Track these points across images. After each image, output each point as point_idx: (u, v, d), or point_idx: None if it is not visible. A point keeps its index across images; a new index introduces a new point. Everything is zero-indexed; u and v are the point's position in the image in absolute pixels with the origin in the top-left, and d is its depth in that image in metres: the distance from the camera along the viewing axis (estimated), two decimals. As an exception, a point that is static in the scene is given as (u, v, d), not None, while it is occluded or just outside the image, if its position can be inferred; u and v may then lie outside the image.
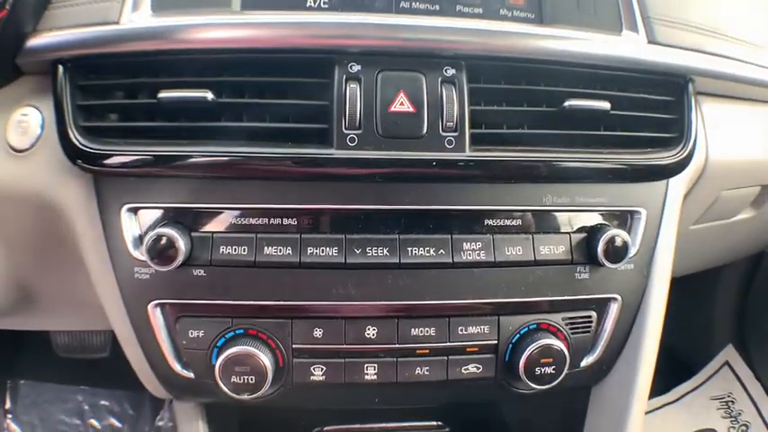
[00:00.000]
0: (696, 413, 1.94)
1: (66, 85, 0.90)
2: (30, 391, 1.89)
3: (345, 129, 0.89)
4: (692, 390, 1.97)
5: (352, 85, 0.90)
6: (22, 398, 1.89)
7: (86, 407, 1.88)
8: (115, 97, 0.94)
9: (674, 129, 1.03)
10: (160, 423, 1.81)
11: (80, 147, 0.89)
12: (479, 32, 0.93)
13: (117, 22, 0.90)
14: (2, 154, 0.94)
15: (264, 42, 0.90)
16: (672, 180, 1.06)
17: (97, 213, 0.95)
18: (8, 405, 1.88)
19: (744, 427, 1.91)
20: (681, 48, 1.03)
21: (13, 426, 1.87)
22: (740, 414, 1.93)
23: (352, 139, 0.89)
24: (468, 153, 0.91)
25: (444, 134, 0.91)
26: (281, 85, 0.93)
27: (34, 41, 0.90)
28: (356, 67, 0.90)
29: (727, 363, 1.98)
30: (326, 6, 0.96)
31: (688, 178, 1.09)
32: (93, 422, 1.86)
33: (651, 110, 1.03)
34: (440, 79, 0.91)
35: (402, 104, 0.90)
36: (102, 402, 1.88)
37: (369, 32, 0.91)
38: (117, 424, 1.86)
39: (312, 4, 0.96)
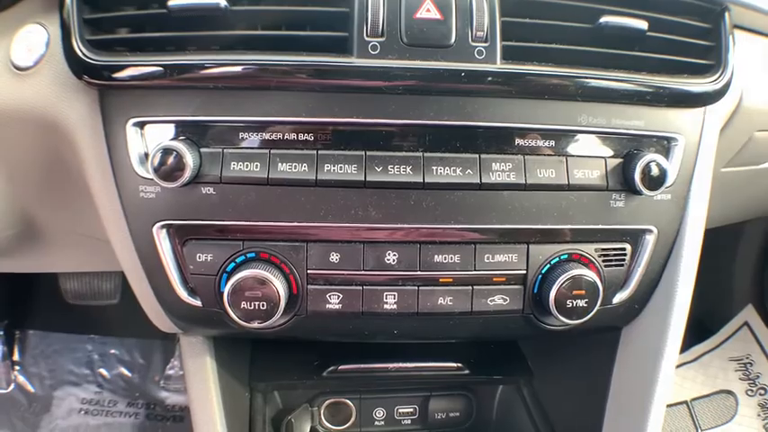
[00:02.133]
0: (714, 374, 1.87)
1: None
2: (39, 341, 1.83)
3: (367, 36, 0.80)
4: (711, 350, 1.90)
5: None
6: (30, 348, 1.83)
7: (96, 356, 1.82)
8: (123, 10, 0.86)
9: (711, 56, 0.95)
10: (170, 372, 1.75)
11: (86, 60, 0.81)
12: None
13: None
14: (5, 72, 0.86)
15: None
16: (709, 109, 0.97)
17: (101, 129, 0.86)
18: (17, 356, 1.82)
19: (762, 390, 1.84)
20: None
21: (21, 378, 1.81)
22: (758, 377, 1.86)
23: (374, 47, 0.80)
24: (500, 65, 0.82)
25: (474, 44, 0.82)
26: None
27: None
28: None
29: (746, 323, 1.90)
30: None
31: (723, 113, 1.01)
32: (103, 371, 1.80)
33: (688, 35, 0.94)
34: None
35: (429, 11, 0.81)
36: (112, 351, 1.82)
37: None
38: (127, 373, 1.80)
39: None
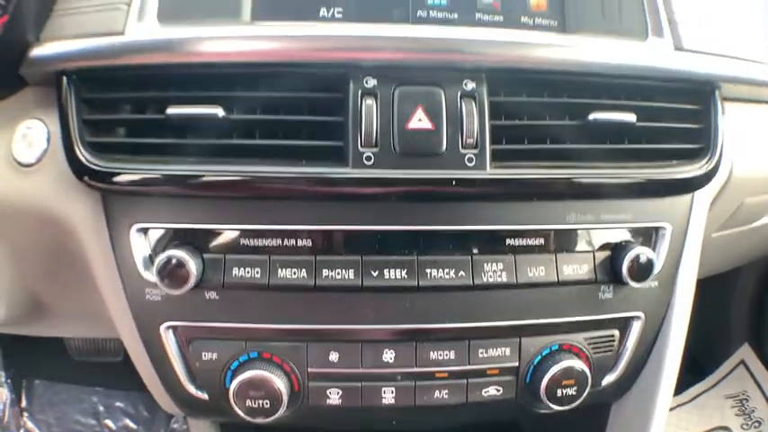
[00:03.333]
0: (710, 414, 1.90)
1: (71, 99, 0.86)
2: (45, 390, 1.86)
3: (361, 146, 0.84)
4: (707, 390, 1.93)
5: (368, 101, 0.84)
6: (38, 397, 1.86)
7: (101, 408, 1.85)
8: (122, 111, 0.89)
9: (701, 139, 0.97)
10: (175, 425, 1.78)
11: (87, 164, 0.84)
12: (500, 44, 0.87)
13: (122, 33, 0.85)
14: (8, 168, 0.90)
15: (276, 56, 0.85)
16: (697, 192, 1.00)
17: (106, 232, 0.90)
18: (24, 404, 1.86)
19: (757, 423, 1.87)
20: (708, 53, 0.97)
21: (30, 424, 1.84)
22: (753, 411, 1.89)
23: (368, 158, 0.84)
24: (490, 171, 0.86)
25: (464, 151, 0.85)
26: (293, 101, 0.87)
27: (37, 51, 0.85)
28: (372, 82, 0.85)
29: (742, 362, 1.93)
30: (340, 16, 0.90)
31: (712, 189, 1.04)
32: (109, 423, 1.83)
33: (677, 120, 0.97)
34: (459, 93, 0.86)
35: (420, 120, 0.84)
36: (118, 404, 1.85)
37: (385, 46, 0.85)
38: (132, 425, 1.83)
39: (326, 14, 0.90)
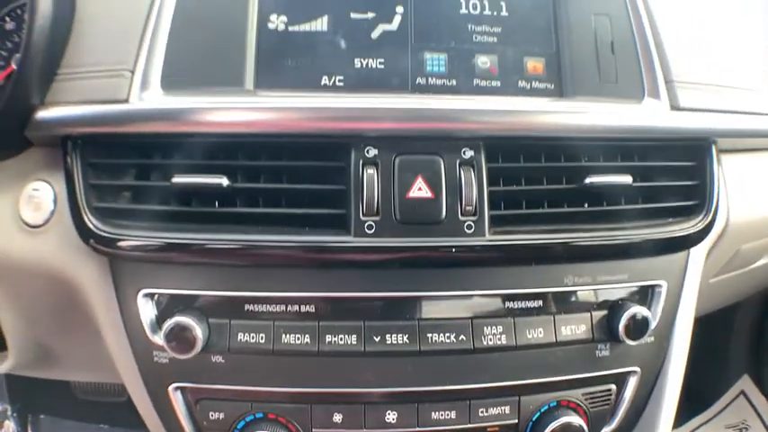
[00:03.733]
0: (710, 445, 1.92)
1: (77, 163, 0.89)
2: (51, 425, 1.89)
3: (363, 215, 0.86)
4: (707, 421, 1.94)
5: (369, 171, 0.87)
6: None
7: (106, 445, 1.88)
8: (128, 176, 0.92)
9: (697, 196, 0.99)
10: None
11: (93, 229, 0.87)
12: (498, 113, 0.90)
13: (126, 100, 0.88)
14: (16, 229, 0.93)
15: (278, 127, 0.87)
16: (693, 248, 1.02)
17: (114, 295, 0.92)
18: (30, 438, 1.88)
19: (757, 452, 1.89)
20: (704, 110, 1.00)
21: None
22: (753, 438, 1.91)
23: (369, 227, 0.86)
24: (488, 237, 0.88)
25: (463, 218, 0.88)
26: (296, 169, 0.90)
27: (43, 114, 0.88)
28: (373, 152, 0.88)
29: (742, 392, 1.95)
30: (342, 85, 0.94)
31: (709, 241, 1.06)
32: (113, 460, 1.86)
33: (673, 177, 0.99)
34: (458, 161, 0.88)
35: (420, 189, 0.87)
36: (121, 442, 1.87)
37: (385, 116, 0.88)
38: (135, 463, 1.85)
39: (327, 83, 0.94)
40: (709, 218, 0.98)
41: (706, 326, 1.41)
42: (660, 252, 0.98)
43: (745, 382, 1.94)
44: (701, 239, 0.99)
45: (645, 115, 0.96)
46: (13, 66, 0.99)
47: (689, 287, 1.03)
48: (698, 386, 1.99)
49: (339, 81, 0.94)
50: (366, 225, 0.86)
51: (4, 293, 1.02)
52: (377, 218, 0.86)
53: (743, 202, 1.09)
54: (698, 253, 1.04)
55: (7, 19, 1.03)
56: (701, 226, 0.97)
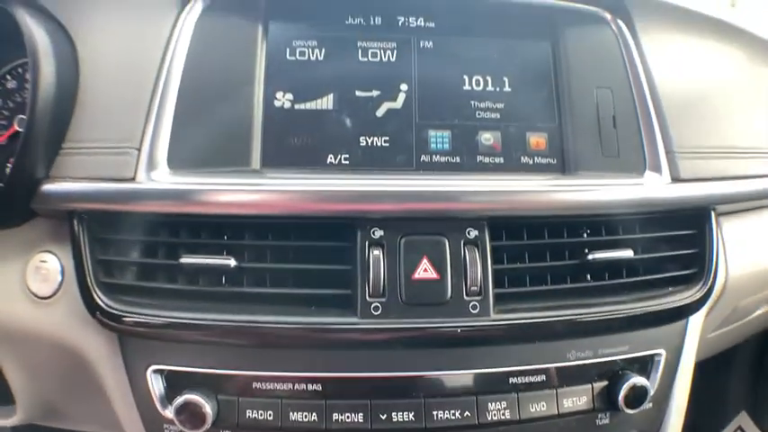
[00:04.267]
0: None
1: (84, 238, 0.90)
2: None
3: (369, 297, 0.88)
4: (704, 457, 1.97)
5: (375, 252, 0.89)
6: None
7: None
8: (135, 251, 0.93)
9: (696, 264, 1.02)
10: None
11: (101, 304, 0.89)
12: (500, 193, 0.92)
13: (133, 179, 0.90)
14: (24, 299, 0.95)
15: (285, 209, 0.89)
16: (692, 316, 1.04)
17: (123, 369, 0.94)
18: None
19: (754, 487, 1.90)
20: (704, 179, 1.02)
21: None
22: (749, 472, 1.92)
23: (376, 308, 0.88)
24: (493, 317, 0.90)
25: (468, 299, 0.89)
26: (303, 249, 0.92)
27: (49, 188, 0.89)
28: (379, 233, 0.90)
29: (740, 428, 1.96)
30: (347, 163, 0.96)
31: (709, 302, 1.07)
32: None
33: (673, 247, 1.01)
34: (462, 241, 0.90)
35: (426, 271, 0.89)
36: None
37: (390, 199, 0.90)
38: None
39: (333, 161, 0.96)
40: (708, 285, 1.00)
41: (703, 364, 1.42)
42: (660, 323, 1.00)
43: (743, 419, 1.96)
44: (700, 307, 1.01)
45: (646, 189, 0.98)
46: (16, 126, 1.02)
47: (687, 352, 1.05)
48: (696, 423, 2.01)
49: (345, 159, 0.96)
50: (372, 306, 0.88)
51: (13, 356, 1.04)
52: (383, 299, 0.88)
53: (741, 260, 1.11)
54: (696, 318, 1.06)
55: (8, 77, 1.05)
56: (699, 294, 1.00)
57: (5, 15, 0.92)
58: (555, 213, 0.94)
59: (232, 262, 0.88)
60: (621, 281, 0.98)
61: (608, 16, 1.11)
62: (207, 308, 0.89)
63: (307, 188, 0.90)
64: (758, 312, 1.37)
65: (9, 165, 1.02)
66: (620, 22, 1.10)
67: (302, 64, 1.01)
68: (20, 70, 1.05)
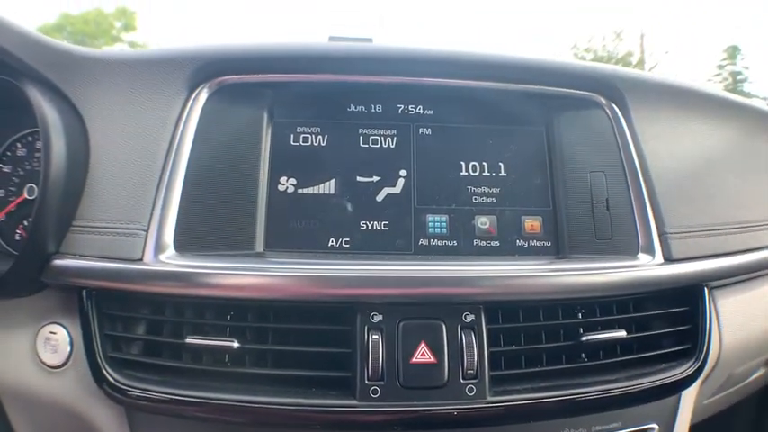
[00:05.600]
0: None
1: (92, 313, 0.94)
2: None
3: (368, 380, 0.91)
4: None
5: (374, 336, 0.92)
6: None
7: None
8: (141, 328, 0.97)
9: (689, 340, 1.04)
10: None
11: (108, 377, 0.92)
12: (496, 279, 0.95)
13: (140, 260, 0.94)
14: (34, 368, 0.98)
15: (287, 293, 0.93)
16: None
17: None
18: None
19: None
20: (697, 258, 1.06)
21: None
22: None
23: (374, 391, 0.90)
24: (489, 398, 0.92)
25: (465, 381, 0.92)
26: (304, 331, 0.95)
27: (59, 263, 0.93)
28: (378, 317, 0.93)
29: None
30: (348, 246, 1.00)
31: (702, 376, 1.09)
32: None
33: (666, 324, 1.04)
34: (459, 326, 0.93)
35: (423, 355, 0.92)
36: None
37: (389, 284, 0.94)
38: None
39: (334, 244, 1.00)
40: (702, 360, 1.03)
41: (702, 426, 1.42)
42: (653, 399, 1.02)
43: None
44: (693, 381, 1.03)
45: (638, 271, 1.01)
46: (26, 194, 1.06)
47: (681, 424, 1.07)
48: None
49: (346, 243, 1.00)
50: (371, 389, 0.90)
51: (25, 417, 1.07)
52: (381, 382, 0.91)
53: (735, 330, 1.14)
54: (689, 390, 1.08)
55: (18, 145, 1.10)
56: (692, 370, 1.02)
57: (16, 87, 0.97)
58: (549, 297, 0.97)
59: (235, 344, 0.91)
60: (615, 360, 1.00)
61: (602, 101, 1.15)
62: (210, 386, 0.92)
63: (308, 273, 0.93)
64: (754, 376, 1.39)
65: (18, 231, 1.07)
66: (614, 106, 1.15)
67: (305, 150, 1.06)
68: (30, 138, 1.09)
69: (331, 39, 1.45)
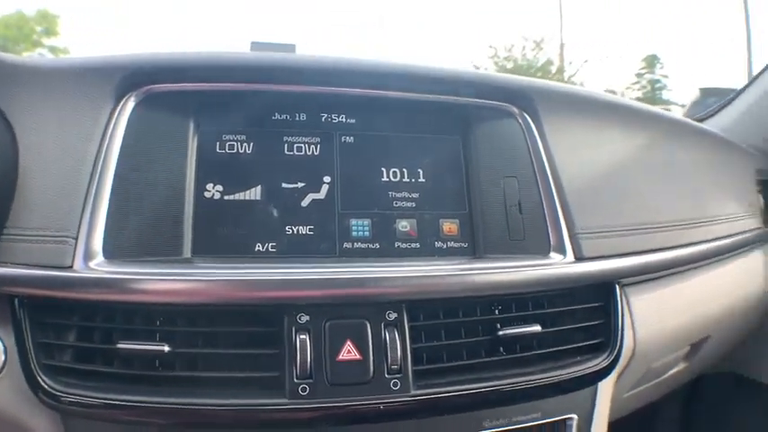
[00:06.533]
0: None
1: (25, 321, 0.94)
2: None
3: (297, 378, 0.95)
4: None
5: (301, 336, 0.96)
6: None
7: None
8: (73, 334, 0.98)
9: (602, 334, 1.13)
10: None
11: (43, 384, 0.93)
12: (417, 278, 1.01)
13: (71, 267, 0.95)
14: None
15: (215, 297, 0.96)
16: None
17: None
18: None
19: None
20: (607, 257, 1.14)
21: None
22: None
23: (303, 389, 0.95)
24: (413, 392, 0.98)
25: (389, 377, 0.97)
26: (233, 334, 0.98)
27: None
28: (305, 318, 0.97)
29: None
30: (274, 251, 1.04)
31: (617, 369, 1.17)
32: None
33: (580, 319, 1.12)
34: (383, 324, 0.99)
35: (349, 353, 0.97)
36: None
37: (314, 286, 0.98)
38: None
39: (261, 249, 1.04)
40: (615, 353, 1.11)
41: (626, 421, 1.50)
42: (570, 390, 1.10)
43: None
44: (608, 374, 1.11)
45: (550, 269, 1.09)
46: None
47: (599, 415, 1.15)
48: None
49: (272, 247, 1.04)
50: (300, 388, 0.95)
51: None
52: (310, 380, 0.95)
53: (649, 326, 1.23)
54: (606, 382, 1.15)
55: None
56: (606, 362, 1.10)
57: None
58: (466, 294, 1.04)
59: (165, 348, 0.94)
60: (532, 353, 1.07)
61: (515, 110, 1.23)
62: (142, 390, 0.94)
63: (234, 277, 0.97)
64: (673, 371, 1.48)
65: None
66: (526, 115, 1.23)
67: (231, 157, 1.09)
68: None
69: (253, 44, 1.47)
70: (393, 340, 0.98)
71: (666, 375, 1.48)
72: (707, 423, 2.03)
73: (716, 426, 2.00)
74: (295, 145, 1.12)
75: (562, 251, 1.12)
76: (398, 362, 0.98)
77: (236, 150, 1.10)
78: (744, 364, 1.89)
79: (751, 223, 1.58)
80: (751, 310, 1.58)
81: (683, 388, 1.94)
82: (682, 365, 1.51)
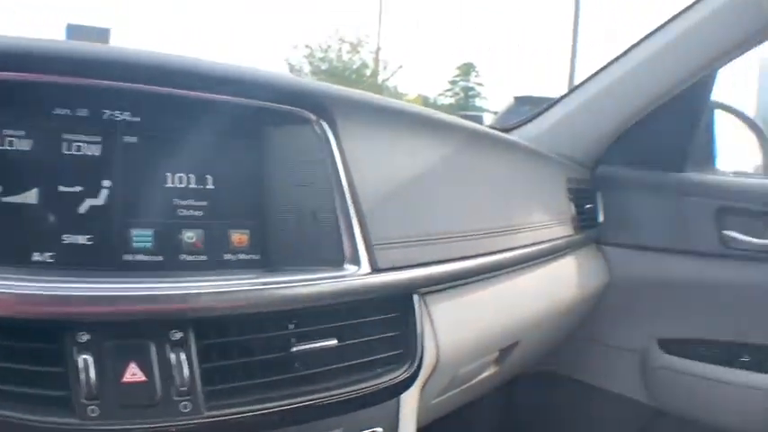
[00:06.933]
0: None
1: None
2: None
3: (85, 399, 0.86)
4: None
5: (84, 356, 0.87)
6: None
7: None
8: None
9: (401, 345, 1.14)
10: None
11: None
12: (203, 296, 0.96)
13: None
14: None
15: None
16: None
17: None
18: None
19: None
20: (403, 267, 1.16)
21: None
22: None
23: (93, 410, 0.86)
24: (205, 414, 0.93)
25: (178, 399, 0.92)
26: (18, 349, 0.87)
27: None
28: (86, 337, 0.89)
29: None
30: (52, 261, 0.94)
31: (421, 378, 1.19)
32: None
33: (378, 331, 1.13)
34: (167, 345, 0.93)
35: (134, 374, 0.90)
36: None
37: (92, 303, 0.90)
38: None
39: (38, 259, 0.93)
40: (416, 364, 1.13)
41: (444, 423, 1.53)
42: (372, 404, 1.10)
43: None
44: (410, 385, 1.13)
45: (344, 281, 1.09)
46: None
47: (405, 425, 1.16)
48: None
49: (50, 257, 0.94)
50: (89, 408, 0.86)
51: None
52: (98, 401, 0.87)
53: (452, 334, 1.26)
54: (409, 393, 1.17)
55: None
56: (407, 374, 1.12)
57: None
58: (256, 311, 1.00)
59: None
60: (329, 367, 1.07)
61: (312, 117, 1.18)
62: None
63: (8, 290, 0.86)
64: (482, 377, 1.55)
65: None
66: (324, 123, 1.18)
67: (9, 155, 0.96)
68: None
69: (68, 27, 1.31)
70: (178, 362, 0.92)
71: (475, 381, 1.54)
72: (524, 422, 2.14)
73: (533, 423, 2.13)
74: (74, 144, 1.00)
75: (357, 262, 1.12)
76: (186, 384, 0.92)
77: (15, 147, 0.96)
78: (564, 364, 2.02)
79: (561, 230, 1.69)
80: (561, 315, 1.70)
81: (498, 388, 2.00)
82: (492, 370, 1.57)
